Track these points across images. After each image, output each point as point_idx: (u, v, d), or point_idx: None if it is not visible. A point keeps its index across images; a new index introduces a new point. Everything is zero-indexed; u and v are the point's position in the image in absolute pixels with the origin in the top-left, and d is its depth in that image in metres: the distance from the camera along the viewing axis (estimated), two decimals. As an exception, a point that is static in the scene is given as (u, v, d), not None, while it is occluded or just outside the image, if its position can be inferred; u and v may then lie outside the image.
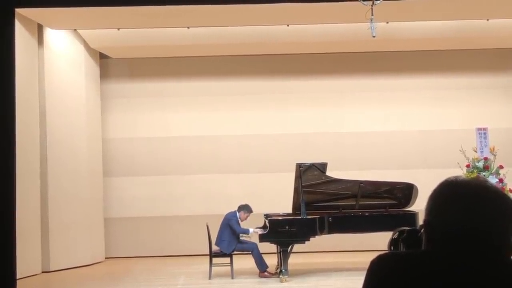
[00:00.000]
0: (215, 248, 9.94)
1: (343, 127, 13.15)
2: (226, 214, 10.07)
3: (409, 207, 10.09)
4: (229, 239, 9.86)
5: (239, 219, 9.99)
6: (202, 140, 13.12)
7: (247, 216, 10.04)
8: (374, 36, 8.64)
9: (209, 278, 9.77)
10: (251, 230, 9.90)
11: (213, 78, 13.22)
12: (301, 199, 9.57)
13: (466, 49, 12.96)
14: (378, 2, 8.21)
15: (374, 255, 1.60)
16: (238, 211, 10.04)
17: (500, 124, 12.57)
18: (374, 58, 13.12)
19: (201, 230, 10.46)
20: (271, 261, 10.01)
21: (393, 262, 1.56)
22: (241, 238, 9.98)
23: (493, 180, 9.69)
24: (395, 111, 13.19)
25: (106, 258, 12.63)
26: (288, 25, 11.48)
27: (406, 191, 10.10)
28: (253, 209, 10.10)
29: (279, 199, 11.25)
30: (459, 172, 9.71)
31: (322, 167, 9.81)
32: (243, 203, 10.15)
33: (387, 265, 1.55)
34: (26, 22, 10.49)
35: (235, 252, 9.88)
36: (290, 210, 10.12)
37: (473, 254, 1.49)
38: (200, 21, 10.89)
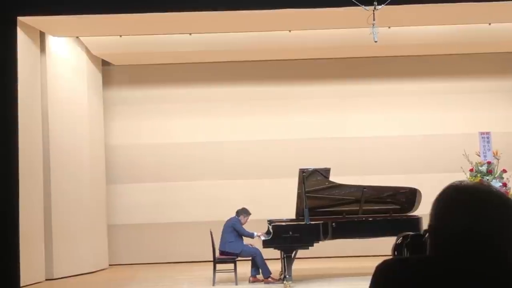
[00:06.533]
0: (219, 254, 9.93)
1: (345, 132, 13.14)
2: (228, 220, 10.09)
3: (413, 211, 10.06)
4: (235, 240, 9.91)
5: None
6: (205, 146, 13.12)
7: (247, 220, 10.09)
8: (376, 41, 8.65)
9: (213, 284, 9.76)
10: (255, 234, 9.93)
11: (215, 84, 13.22)
12: (304, 204, 9.55)
13: (469, 54, 12.95)
14: (380, 7, 8.22)
15: (378, 260, 1.60)
16: (238, 216, 10.06)
17: (503, 128, 12.55)
18: (376, 63, 13.12)
19: (204, 236, 10.46)
20: (275, 267, 9.99)
21: (399, 267, 1.56)
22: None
23: (496, 184, 9.67)
24: (398, 116, 13.18)
25: (110, 265, 12.62)
26: (290, 31, 11.48)
27: (410, 196, 10.07)
28: (256, 215, 10.11)
29: (282, 205, 11.23)
30: (463, 176, 9.71)
31: (325, 173, 9.80)
32: (239, 208, 10.19)
33: (392, 271, 1.55)
34: (28, 29, 10.50)
35: (238, 258, 9.87)
36: (293, 216, 10.10)
37: (477, 258, 1.48)
38: (202, 28, 10.90)
